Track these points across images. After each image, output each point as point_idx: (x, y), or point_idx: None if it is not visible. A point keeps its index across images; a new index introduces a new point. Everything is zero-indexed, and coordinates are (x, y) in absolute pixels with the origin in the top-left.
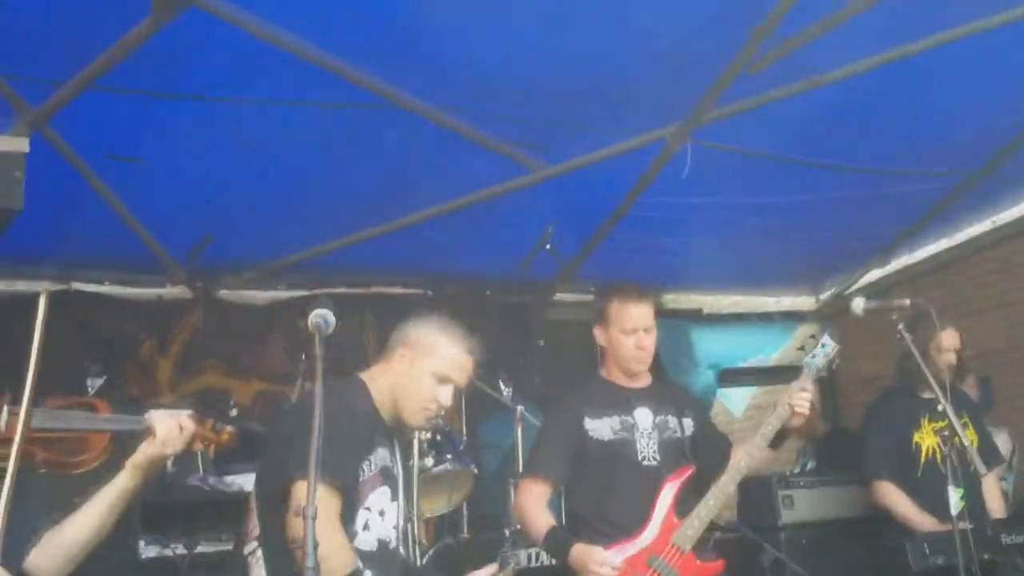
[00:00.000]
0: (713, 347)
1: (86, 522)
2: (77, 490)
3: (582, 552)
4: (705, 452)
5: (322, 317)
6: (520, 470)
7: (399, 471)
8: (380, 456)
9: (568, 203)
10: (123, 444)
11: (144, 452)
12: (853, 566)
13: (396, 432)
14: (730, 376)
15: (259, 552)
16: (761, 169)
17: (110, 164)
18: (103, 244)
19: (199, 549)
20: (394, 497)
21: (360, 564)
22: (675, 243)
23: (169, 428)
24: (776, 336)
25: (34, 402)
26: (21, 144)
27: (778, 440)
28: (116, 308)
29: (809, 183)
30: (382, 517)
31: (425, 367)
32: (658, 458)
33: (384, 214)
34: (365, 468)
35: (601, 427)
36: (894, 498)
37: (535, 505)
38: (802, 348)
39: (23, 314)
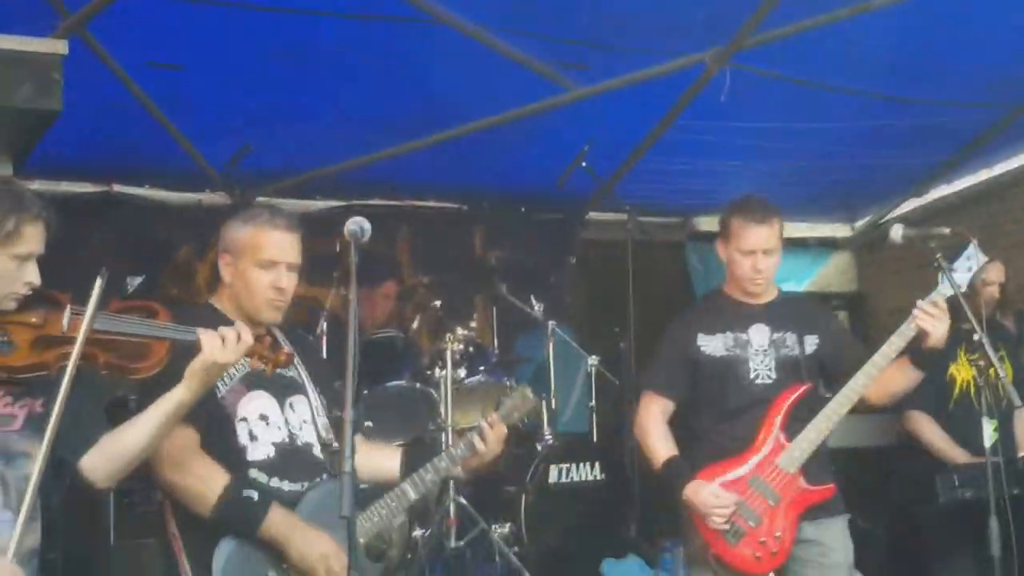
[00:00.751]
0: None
1: (142, 430)
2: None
3: (693, 491)
4: (832, 371)
5: (358, 225)
6: (640, 384)
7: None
8: (239, 366)
9: (605, 124)
10: (183, 354)
11: (197, 363)
12: (881, 495)
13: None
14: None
15: None
16: (800, 96)
17: (149, 71)
18: (143, 151)
19: None
20: (280, 395)
21: (230, 477)
22: (710, 167)
23: (214, 341)
24: (809, 263)
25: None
26: (59, 46)
27: (924, 361)
28: (155, 212)
29: (848, 111)
30: (266, 421)
31: (248, 263)
32: (773, 376)
33: (421, 130)
34: (219, 386)
35: (713, 344)
36: (926, 428)
37: (655, 426)
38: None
39: (73, 217)
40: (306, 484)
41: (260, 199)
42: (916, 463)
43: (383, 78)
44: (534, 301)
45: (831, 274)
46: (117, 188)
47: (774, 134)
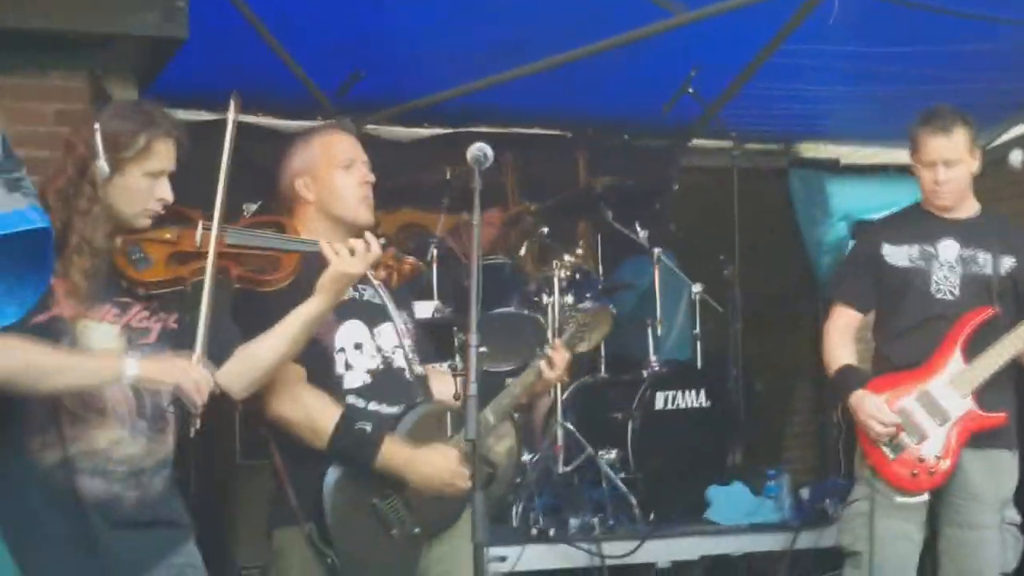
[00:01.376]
0: (848, 199)
1: (278, 341)
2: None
3: (857, 400)
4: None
5: (482, 151)
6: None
7: (370, 293)
8: None
9: (710, 48)
10: (312, 266)
11: (329, 273)
12: None
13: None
14: (863, 228)
15: None
16: (910, 18)
17: None
18: (256, 78)
19: None
20: (370, 323)
21: (342, 409)
22: (815, 92)
23: (355, 247)
24: (914, 189)
25: (227, 219)
26: None
27: None
28: (270, 139)
29: (959, 34)
30: (360, 349)
31: (327, 171)
32: (956, 293)
33: (526, 56)
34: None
35: (897, 254)
36: None
37: (839, 336)
38: None
39: (197, 140)
40: (402, 407)
41: (369, 126)
42: None
43: (490, 4)
44: (639, 228)
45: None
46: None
47: (881, 58)
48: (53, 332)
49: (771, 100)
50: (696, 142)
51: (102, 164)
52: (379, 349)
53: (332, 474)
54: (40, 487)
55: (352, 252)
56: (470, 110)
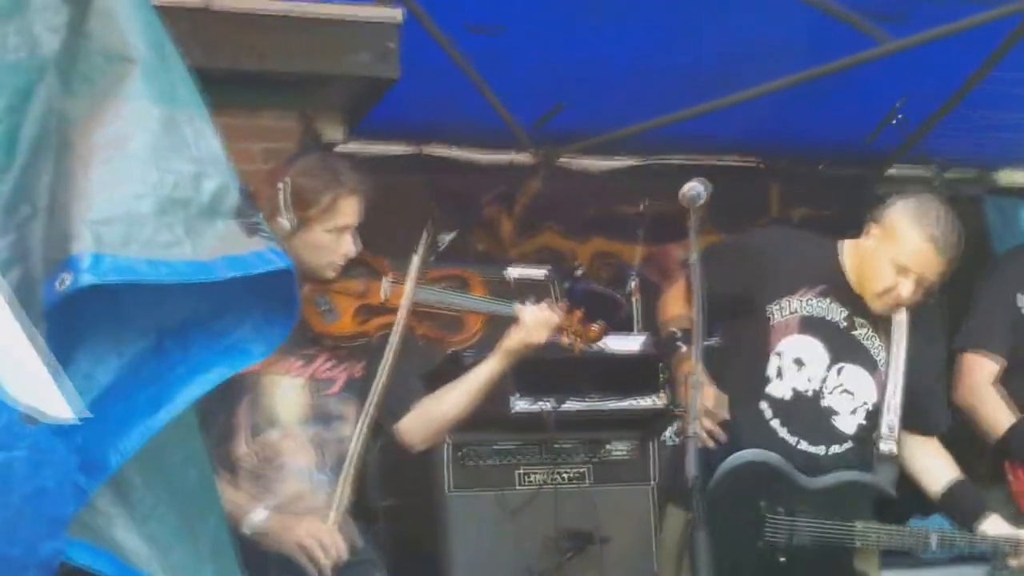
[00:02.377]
0: None
1: (457, 398)
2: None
3: None
4: None
5: (695, 190)
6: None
7: (855, 333)
8: (809, 304)
9: (915, 76)
10: (496, 327)
11: (513, 339)
12: None
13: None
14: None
15: None
16: None
17: (466, 33)
18: (454, 113)
19: (567, 406)
20: (833, 351)
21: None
22: (1018, 119)
23: (536, 319)
24: None
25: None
26: (396, 14)
27: None
28: (465, 171)
29: None
30: (799, 367)
31: (886, 252)
32: None
33: (724, 86)
34: (775, 312)
35: None
36: None
37: (989, 392)
38: None
39: (387, 177)
40: (804, 443)
41: (563, 159)
42: None
43: (691, 34)
44: None
45: None
46: (427, 149)
47: None
48: (235, 388)
49: (974, 127)
50: (895, 170)
51: (283, 222)
52: (824, 380)
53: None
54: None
55: (535, 320)
56: (662, 139)
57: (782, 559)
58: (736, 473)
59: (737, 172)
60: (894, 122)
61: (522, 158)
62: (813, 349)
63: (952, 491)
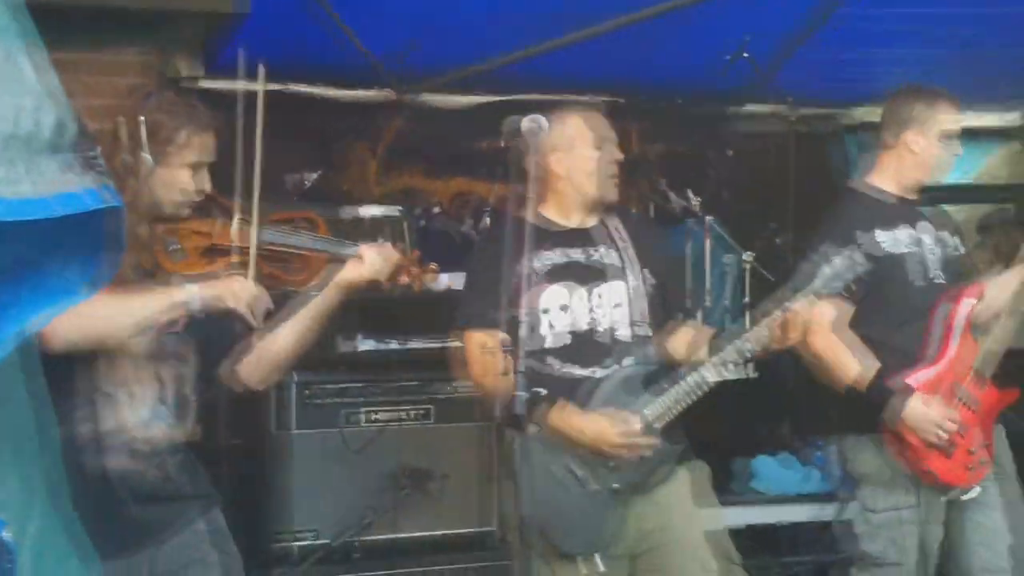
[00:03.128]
0: None
1: (291, 334)
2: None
3: (922, 408)
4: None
5: (537, 122)
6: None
7: (593, 258)
8: (546, 259)
9: (764, 12)
10: (337, 267)
11: (349, 273)
12: None
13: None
14: (926, 194)
15: None
16: None
17: None
18: (315, 50)
19: (411, 344)
20: (588, 283)
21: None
22: (872, 55)
23: (376, 257)
24: (977, 154)
25: (261, 216)
26: None
27: None
28: (327, 110)
29: None
30: (565, 311)
31: (582, 149)
32: (944, 276)
33: (578, 23)
34: (524, 283)
35: (891, 239)
36: None
37: (843, 336)
38: None
39: (247, 114)
40: (599, 370)
41: (424, 95)
42: None
43: None
44: (691, 195)
45: (1000, 165)
46: (292, 87)
47: (940, 19)
48: None
49: (826, 63)
50: (750, 107)
51: (146, 156)
52: (591, 310)
53: (526, 435)
54: (73, 459)
55: (373, 259)
56: (522, 78)
57: (615, 485)
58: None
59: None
60: (745, 55)
61: (381, 95)
62: (569, 290)
63: (715, 336)
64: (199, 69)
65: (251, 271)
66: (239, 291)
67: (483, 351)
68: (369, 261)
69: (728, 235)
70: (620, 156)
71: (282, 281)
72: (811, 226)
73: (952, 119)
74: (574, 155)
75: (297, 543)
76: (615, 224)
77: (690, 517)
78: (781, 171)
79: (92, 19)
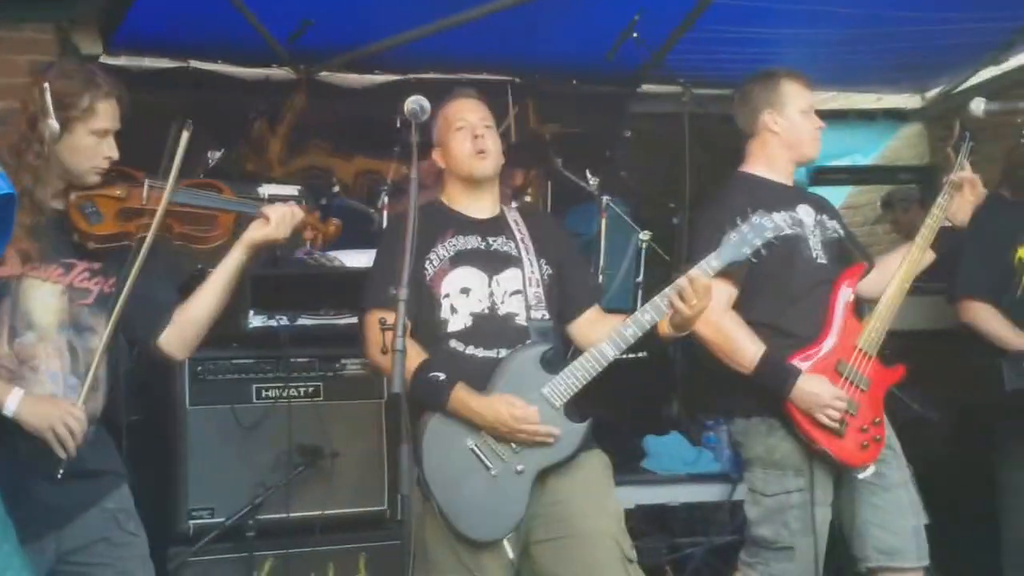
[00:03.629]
0: None
1: (208, 297)
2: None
3: (811, 389)
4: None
5: (418, 103)
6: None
7: (497, 245)
8: (451, 245)
9: None
10: (243, 226)
11: (257, 232)
12: (941, 381)
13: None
14: (824, 175)
15: None
16: None
17: None
18: (214, 28)
19: (301, 321)
20: (490, 269)
21: (424, 357)
22: (768, 35)
23: (281, 215)
24: (876, 136)
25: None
26: None
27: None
28: (229, 88)
29: None
30: (467, 294)
31: (448, 135)
32: (826, 256)
33: (474, 2)
34: (428, 268)
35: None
36: (988, 318)
37: (733, 319)
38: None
39: (154, 91)
40: (502, 351)
41: (323, 74)
42: (977, 350)
43: None
44: (589, 175)
45: (901, 147)
46: (194, 64)
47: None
48: None
49: (720, 44)
50: (646, 88)
51: (53, 123)
52: (491, 294)
53: (429, 419)
54: None
55: (279, 215)
56: (419, 57)
57: (519, 468)
58: None
59: (495, 88)
60: (635, 35)
61: (281, 73)
62: (470, 276)
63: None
64: (98, 46)
65: (154, 228)
66: (59, 419)
67: (381, 328)
68: (274, 219)
69: (626, 215)
70: (481, 131)
71: (195, 240)
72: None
73: (801, 93)
74: (449, 144)
75: (192, 521)
76: (514, 216)
77: (598, 502)
78: (677, 152)
79: None
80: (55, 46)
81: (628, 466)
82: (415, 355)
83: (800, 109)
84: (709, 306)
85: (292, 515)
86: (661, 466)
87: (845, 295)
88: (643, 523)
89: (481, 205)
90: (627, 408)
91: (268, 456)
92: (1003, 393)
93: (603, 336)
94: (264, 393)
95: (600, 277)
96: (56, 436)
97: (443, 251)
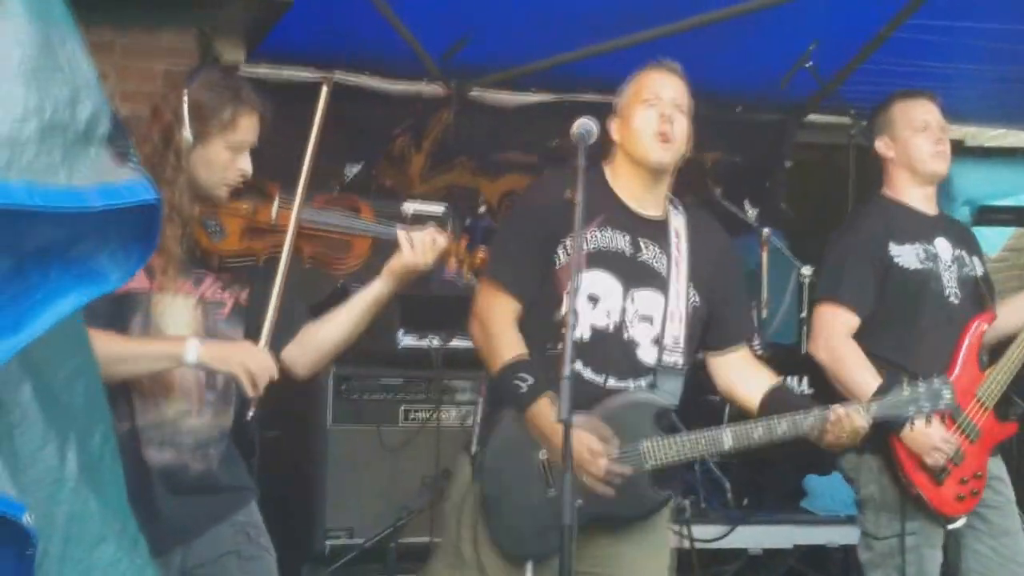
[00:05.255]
0: (972, 183)
1: (342, 323)
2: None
3: (923, 428)
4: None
5: (585, 127)
6: (818, 293)
7: (646, 256)
8: (592, 239)
9: (831, 22)
10: (384, 250)
11: (397, 261)
12: None
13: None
14: (988, 214)
15: None
16: None
17: None
18: (364, 41)
19: (453, 343)
20: (627, 282)
21: (516, 354)
22: (940, 69)
23: (422, 243)
24: None
25: (305, 196)
26: None
27: None
28: (374, 102)
29: None
30: (594, 303)
31: (632, 107)
32: (959, 295)
33: (638, 24)
34: (560, 255)
35: (907, 254)
36: None
37: (855, 350)
38: None
39: (294, 103)
40: (611, 379)
41: (475, 91)
42: None
43: None
44: (748, 205)
45: None
46: (338, 75)
47: (1010, 36)
48: (126, 306)
49: (893, 76)
50: (813, 117)
51: (187, 134)
52: (623, 311)
53: (510, 413)
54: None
55: (415, 243)
56: (578, 77)
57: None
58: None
59: None
60: (809, 64)
61: (432, 89)
62: (604, 282)
63: (771, 395)
64: (240, 55)
65: (286, 253)
66: (246, 359)
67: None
68: (416, 246)
69: (786, 248)
70: (670, 113)
71: (327, 263)
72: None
73: (910, 110)
74: (630, 118)
75: (329, 541)
76: (679, 223)
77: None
78: (840, 184)
79: (138, 2)
80: (194, 54)
81: (787, 504)
82: (512, 345)
83: (912, 127)
84: (830, 332)
85: (435, 540)
86: (820, 506)
87: (973, 339)
88: (801, 563)
89: (646, 199)
90: (790, 445)
91: (412, 480)
92: None
93: (741, 393)
94: (412, 415)
95: (763, 311)
96: (249, 374)
97: (585, 244)
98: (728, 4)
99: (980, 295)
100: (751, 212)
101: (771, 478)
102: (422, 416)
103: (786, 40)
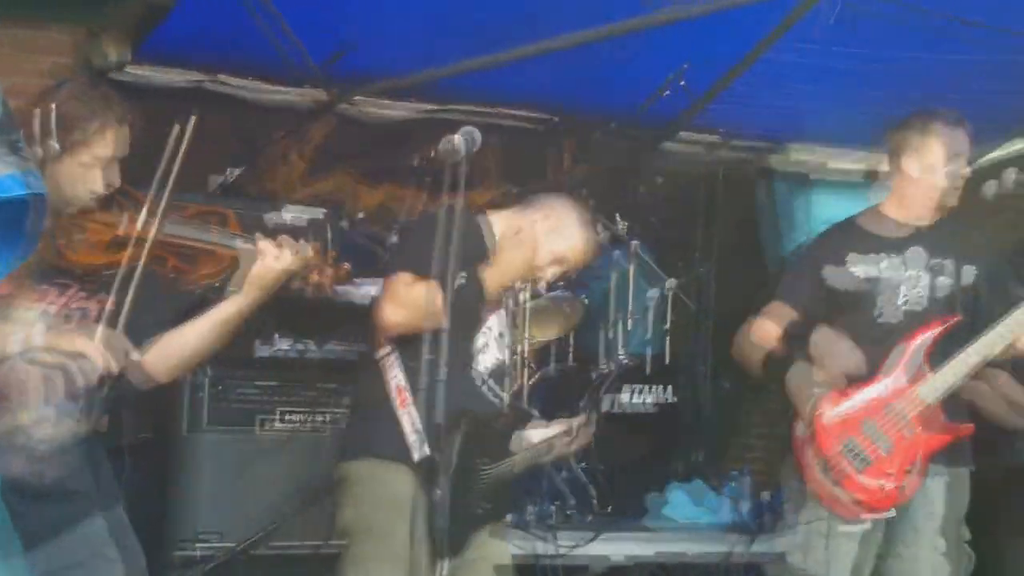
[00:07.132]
0: (832, 206)
1: (201, 332)
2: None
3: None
4: (986, 307)
5: (469, 135)
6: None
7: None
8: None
9: (702, 43)
10: (249, 260)
11: (255, 273)
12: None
13: None
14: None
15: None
16: (909, 24)
17: None
18: (248, 44)
19: (328, 348)
20: (511, 324)
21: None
22: (808, 91)
23: (276, 253)
24: None
25: (170, 208)
26: None
27: None
28: (256, 105)
29: (962, 43)
30: (500, 340)
31: (545, 237)
32: (924, 304)
33: (519, 39)
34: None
35: (842, 276)
36: None
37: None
38: None
39: (170, 108)
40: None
41: (356, 99)
42: None
43: None
44: (618, 219)
45: None
46: (222, 78)
47: (876, 61)
48: None
49: (760, 98)
50: (682, 135)
51: (55, 145)
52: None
53: None
54: None
55: (279, 252)
56: (457, 89)
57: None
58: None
59: (532, 125)
60: (682, 83)
61: (315, 95)
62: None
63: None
64: (128, 55)
65: (141, 265)
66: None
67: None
68: (270, 257)
69: (653, 261)
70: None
71: (187, 273)
72: (733, 257)
73: (948, 142)
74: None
75: (200, 545)
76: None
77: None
78: (708, 202)
79: None
80: (83, 50)
81: (650, 511)
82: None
83: (941, 157)
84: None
85: (307, 543)
86: (681, 513)
87: (926, 342)
88: (661, 570)
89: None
90: (653, 452)
91: (283, 483)
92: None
93: None
94: (285, 419)
95: (629, 322)
96: (98, 350)
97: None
98: (604, 22)
99: (951, 302)
100: (621, 225)
101: (637, 484)
102: (297, 419)
103: (658, 60)
